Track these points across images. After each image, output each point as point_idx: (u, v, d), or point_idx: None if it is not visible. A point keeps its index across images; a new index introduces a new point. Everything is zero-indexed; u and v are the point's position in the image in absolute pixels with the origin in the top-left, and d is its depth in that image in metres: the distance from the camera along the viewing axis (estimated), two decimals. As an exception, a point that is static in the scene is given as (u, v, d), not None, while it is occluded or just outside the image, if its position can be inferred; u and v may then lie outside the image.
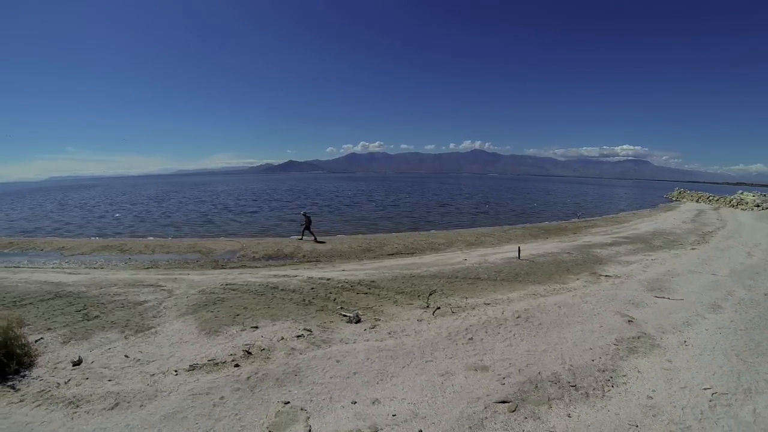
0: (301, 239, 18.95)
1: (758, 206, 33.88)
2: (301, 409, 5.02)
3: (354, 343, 6.99)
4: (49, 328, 7.65)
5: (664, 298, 9.86)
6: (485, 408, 5.07)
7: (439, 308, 8.90)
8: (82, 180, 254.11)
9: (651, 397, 5.36)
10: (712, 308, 9.11)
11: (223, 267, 13.91)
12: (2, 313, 6.60)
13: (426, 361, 6.30)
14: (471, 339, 7.15)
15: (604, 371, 6.06)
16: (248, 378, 5.72)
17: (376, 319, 8.16)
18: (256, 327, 7.63)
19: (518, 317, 8.25)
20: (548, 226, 26.54)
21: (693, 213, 32.79)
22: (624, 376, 5.93)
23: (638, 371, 6.08)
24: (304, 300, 9.38)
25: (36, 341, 6.93)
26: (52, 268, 13.73)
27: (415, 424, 4.73)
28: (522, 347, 6.85)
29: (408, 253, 16.76)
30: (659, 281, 11.48)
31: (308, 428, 4.61)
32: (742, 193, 44.56)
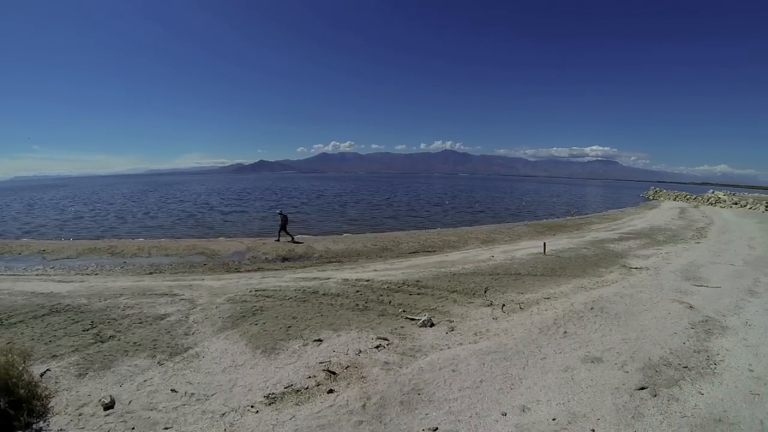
0: (278, 240, 17.19)
1: (736, 204, 34.88)
2: (457, 433, 3.93)
3: (450, 348, 6.25)
4: (55, 355, 5.88)
5: (702, 286, 10.03)
6: (631, 397, 4.91)
7: (504, 305, 8.41)
8: (50, 180, 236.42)
9: (752, 370, 5.64)
10: (750, 293, 9.45)
11: (237, 270, 12.27)
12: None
13: (540, 359, 5.91)
14: (566, 333, 6.88)
15: (699, 352, 6.24)
16: (363, 406, 4.62)
17: (449, 321, 7.44)
18: (320, 340, 6.47)
19: (591, 309, 8.14)
20: (549, 223, 26.26)
21: (677, 211, 33.38)
22: (717, 354, 6.16)
23: (726, 349, 6.32)
24: (356, 305, 8.26)
25: (42, 375, 5.16)
26: (37, 275, 11.51)
27: (583, 425, 4.34)
28: (616, 336, 6.79)
29: (429, 251, 15.79)
30: (688, 272, 11.65)
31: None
32: (713, 192, 46.08)
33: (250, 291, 9.18)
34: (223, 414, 4.38)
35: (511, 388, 5.06)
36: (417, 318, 7.39)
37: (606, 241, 17.36)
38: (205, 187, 75.31)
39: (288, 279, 10.64)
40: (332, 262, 13.72)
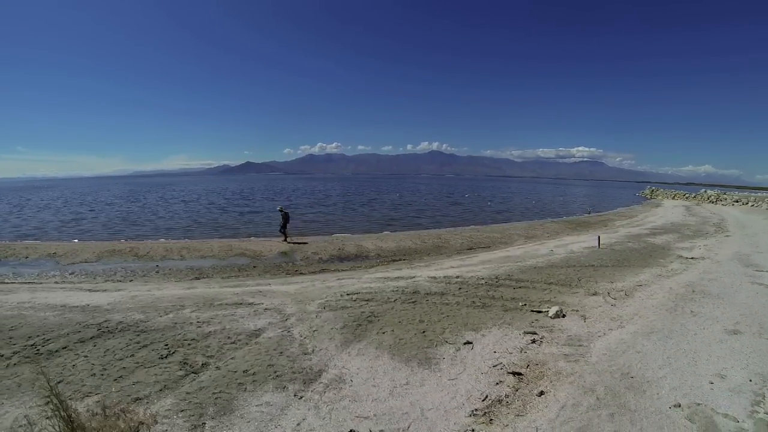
0: (286, 240, 15.14)
1: (737, 202, 34.52)
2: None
3: (606, 335, 5.94)
4: (138, 398, 3.98)
5: (764, 271, 10.10)
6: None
7: (609, 293, 8.13)
8: (36, 181, 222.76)
9: None
10: (816, 275, 9.25)
11: (299, 272, 10.51)
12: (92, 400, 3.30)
13: (693, 335, 5.91)
14: (692, 312, 6.93)
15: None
16: (597, 399, 4.16)
17: (574, 311, 6.98)
18: (470, 342, 5.54)
19: (693, 292, 8.14)
20: (575, 220, 25.41)
21: (683, 209, 32.58)
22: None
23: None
24: (473, 303, 7.32)
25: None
26: (57, 283, 9.28)
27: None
28: (734, 312, 6.89)
29: (483, 248, 14.82)
30: (742, 260, 11.55)
31: None
32: (705, 191, 46.03)
33: (342, 295, 7.53)
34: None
35: (696, 361, 5.03)
36: (544, 310, 6.91)
37: (641, 236, 16.81)
38: (200, 188, 71.79)
39: (369, 279, 9.04)
40: (396, 260, 12.27)
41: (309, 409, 3.80)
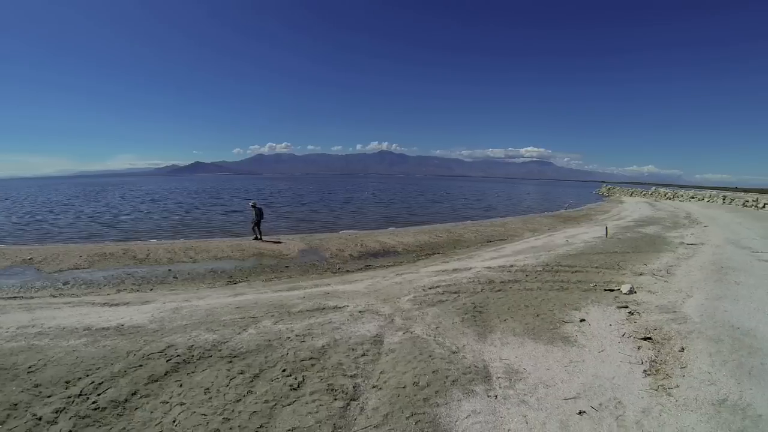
0: (258, 238, 13.61)
1: (693, 198, 37.55)
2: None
3: (686, 302, 6.71)
4: None
5: (759, 252, 11.39)
6: None
7: (653, 273, 8.81)
8: None
9: None
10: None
11: (347, 270, 9.89)
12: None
13: (757, 291, 7.09)
14: (736, 282, 7.84)
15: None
16: (730, 345, 4.87)
17: (638, 287, 7.57)
18: (583, 319, 5.86)
19: (722, 268, 9.15)
20: (560, 214, 26.49)
21: (646, 205, 34.72)
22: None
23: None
24: (552, 287, 7.63)
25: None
26: (53, 296, 7.58)
27: None
28: (764, 279, 8.06)
29: (499, 240, 15.09)
30: (736, 244, 12.92)
31: None
32: (658, 189, 49.90)
33: (423, 290, 7.24)
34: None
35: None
36: (615, 289, 7.46)
37: (631, 228, 17.94)
38: (157, 187, 66.23)
39: (429, 273, 8.85)
40: (429, 254, 12.15)
41: (518, 405, 3.59)
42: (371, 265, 10.23)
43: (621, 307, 6.36)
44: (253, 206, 14.10)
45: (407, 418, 3.32)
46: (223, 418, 3.34)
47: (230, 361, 4.33)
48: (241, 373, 4.08)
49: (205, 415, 3.37)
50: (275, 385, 3.89)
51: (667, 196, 42.63)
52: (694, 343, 4.92)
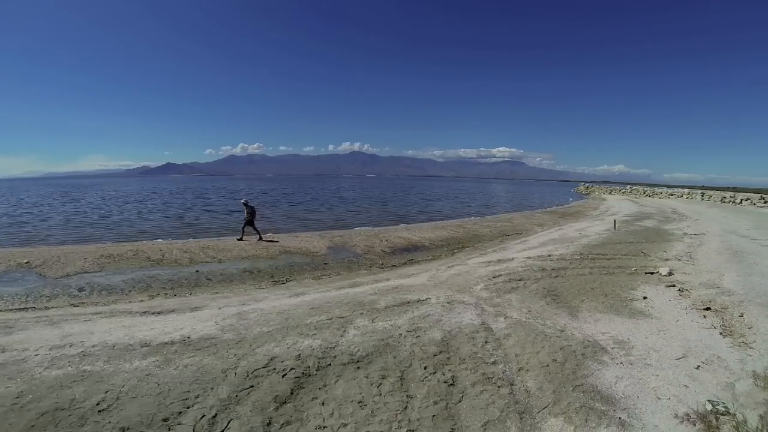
0: (241, 239, 12.56)
1: (672, 195, 39.49)
2: None
3: (722, 276, 7.70)
4: None
5: (757, 240, 12.36)
6: None
7: (677, 259, 9.79)
8: None
9: None
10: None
11: (392, 265, 10.04)
12: None
13: None
14: (754, 262, 8.80)
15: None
16: None
17: (673, 270, 8.39)
18: (645, 297, 6.64)
19: (736, 252, 10.24)
20: (556, 210, 27.94)
21: (629, 202, 36.95)
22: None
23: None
24: (599, 271, 8.43)
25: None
26: (74, 305, 6.80)
27: None
28: None
29: (515, 234, 15.68)
30: (734, 233, 14.25)
31: None
32: (634, 188, 52.13)
33: (488, 279, 7.61)
34: None
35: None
36: (655, 272, 8.27)
37: (630, 222, 19.01)
38: (135, 188, 62.89)
39: (477, 264, 9.20)
40: (459, 248, 12.52)
41: (646, 368, 4.08)
42: (413, 260, 10.36)
43: (669, 286, 7.20)
44: (245, 204, 13.32)
45: (572, 391, 3.57)
46: (408, 430, 3.10)
47: (358, 368, 3.99)
48: (384, 378, 3.81)
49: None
50: (430, 384, 3.72)
51: (646, 193, 44.71)
52: (749, 310, 5.63)
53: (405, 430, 3.08)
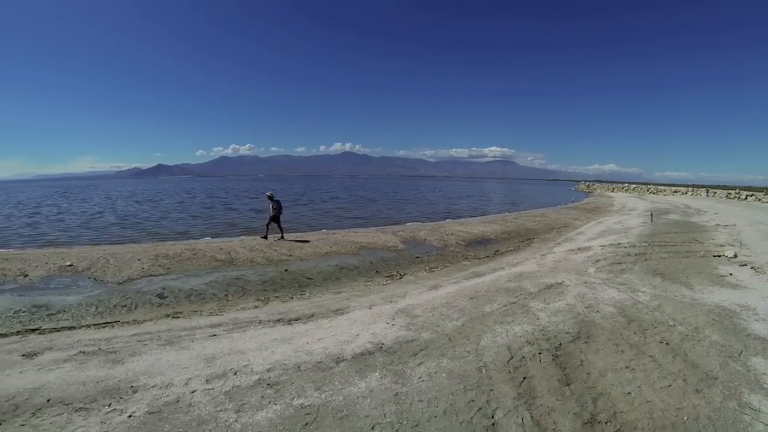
0: (266, 237, 11.77)
1: (676, 192, 40.87)
2: None
3: None
4: None
5: None
6: None
7: (730, 244, 10.98)
8: None
9: None
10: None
11: (487, 257, 10.59)
12: None
13: None
14: None
15: None
16: None
17: (737, 253, 9.63)
18: (730, 273, 7.71)
19: None
20: (578, 206, 29.39)
21: (638, 199, 38.97)
22: None
23: None
24: (675, 255, 9.66)
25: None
26: (170, 316, 5.95)
27: None
28: None
29: (561, 227, 16.59)
30: (762, 223, 15.85)
31: None
32: (634, 186, 53.66)
33: (592, 263, 8.76)
34: None
35: None
36: (722, 255, 9.38)
37: (656, 216, 19.98)
38: (136, 189, 62.21)
39: (563, 252, 10.34)
40: (527, 240, 13.39)
41: None
42: (499, 251, 11.12)
43: (742, 266, 8.32)
44: (270, 198, 12.05)
45: (747, 338, 4.66)
46: (683, 380, 3.80)
47: (587, 342, 4.57)
48: (617, 346, 4.51)
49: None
50: (653, 346, 4.48)
51: (650, 190, 46.13)
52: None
53: (680, 380, 3.76)
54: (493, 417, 3.17)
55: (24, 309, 5.99)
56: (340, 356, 4.17)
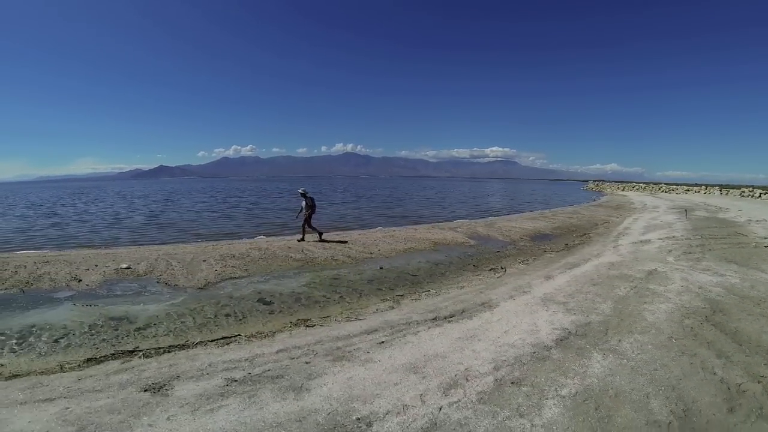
0: (302, 239, 11.17)
1: (689, 191, 41.61)
2: None
3: None
4: None
5: None
6: None
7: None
8: None
9: None
10: None
11: (561, 250, 11.25)
12: None
13: None
14: None
15: None
16: None
17: None
18: None
19: None
20: (602, 204, 30.57)
21: (653, 197, 41.18)
22: None
23: None
24: (730, 246, 10.64)
25: None
26: (306, 325, 5.30)
27: None
28: None
29: (603, 224, 17.06)
30: None
31: None
32: (643, 185, 54.41)
33: (665, 252, 9.82)
34: None
35: None
36: None
37: (692, 211, 21.74)
38: (148, 190, 62.24)
39: (628, 245, 11.26)
40: (582, 235, 13.96)
41: None
42: (568, 244, 11.96)
43: None
44: (303, 195, 11.31)
45: None
46: None
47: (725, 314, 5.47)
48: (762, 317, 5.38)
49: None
50: None
51: (662, 189, 46.97)
52: None
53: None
54: (716, 373, 3.81)
55: (100, 323, 5.20)
56: (543, 344, 4.41)
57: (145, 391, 3.42)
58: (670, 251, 9.85)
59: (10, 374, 3.92)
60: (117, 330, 5.00)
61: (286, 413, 3.06)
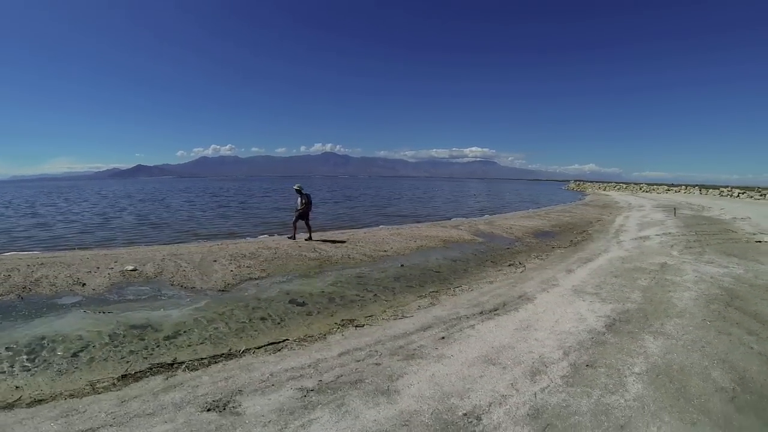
0: (293, 237, 11.06)
1: (669, 190, 43.47)
2: None
3: None
4: None
5: None
6: None
7: (761, 232, 13.20)
8: None
9: None
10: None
11: (567, 246, 11.68)
12: None
13: None
14: None
15: None
16: None
17: None
18: None
19: None
20: (589, 203, 31.78)
21: (634, 196, 42.93)
22: None
23: None
24: (725, 242, 11.33)
25: None
26: (335, 332, 4.99)
27: None
28: None
29: (597, 222, 17.77)
30: None
31: None
32: (624, 185, 56.42)
33: (671, 246, 10.46)
34: None
35: None
36: (762, 241, 11.15)
37: (681, 208, 23.12)
38: (129, 189, 59.77)
39: (631, 241, 11.88)
40: (581, 232, 14.51)
41: None
42: (573, 241, 12.49)
43: None
44: (299, 191, 10.92)
45: None
46: None
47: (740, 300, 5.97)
48: None
49: None
50: None
51: (642, 189, 48.84)
52: None
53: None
54: (752, 347, 4.29)
55: (121, 332, 4.68)
56: (596, 329, 4.76)
57: (209, 410, 3.05)
58: (672, 246, 10.51)
59: (32, 399, 3.33)
60: (143, 340, 4.52)
61: (386, 419, 2.93)
